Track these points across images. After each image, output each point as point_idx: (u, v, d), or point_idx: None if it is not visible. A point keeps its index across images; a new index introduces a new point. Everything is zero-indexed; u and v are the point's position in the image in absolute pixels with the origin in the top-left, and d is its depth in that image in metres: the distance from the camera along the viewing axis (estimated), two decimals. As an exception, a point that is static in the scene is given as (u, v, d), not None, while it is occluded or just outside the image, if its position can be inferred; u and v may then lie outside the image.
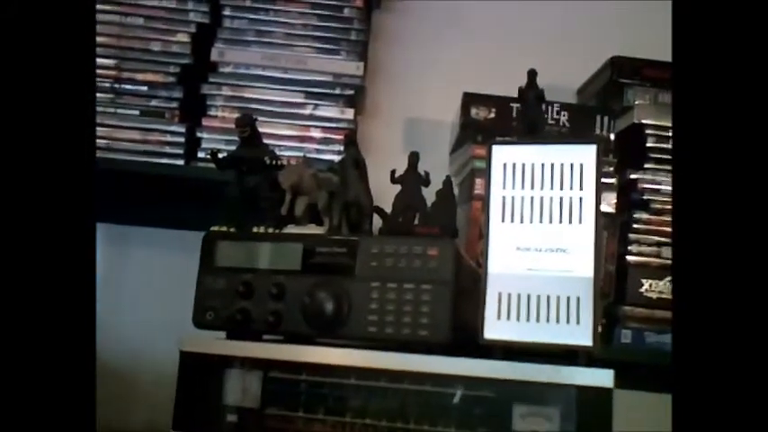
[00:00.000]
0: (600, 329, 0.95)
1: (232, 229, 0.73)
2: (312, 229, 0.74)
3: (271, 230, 0.72)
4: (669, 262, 0.98)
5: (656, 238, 0.99)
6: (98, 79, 1.00)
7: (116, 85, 1.01)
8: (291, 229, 0.73)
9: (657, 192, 0.99)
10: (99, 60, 1.00)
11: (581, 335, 0.62)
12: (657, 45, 1.08)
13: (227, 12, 1.04)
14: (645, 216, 0.99)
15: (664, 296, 0.97)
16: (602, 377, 0.60)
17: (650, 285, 0.98)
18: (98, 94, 0.99)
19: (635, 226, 0.99)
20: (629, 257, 0.99)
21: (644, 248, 0.99)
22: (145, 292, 1.19)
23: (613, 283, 0.99)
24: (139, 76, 1.02)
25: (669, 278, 0.98)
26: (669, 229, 0.98)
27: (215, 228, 0.74)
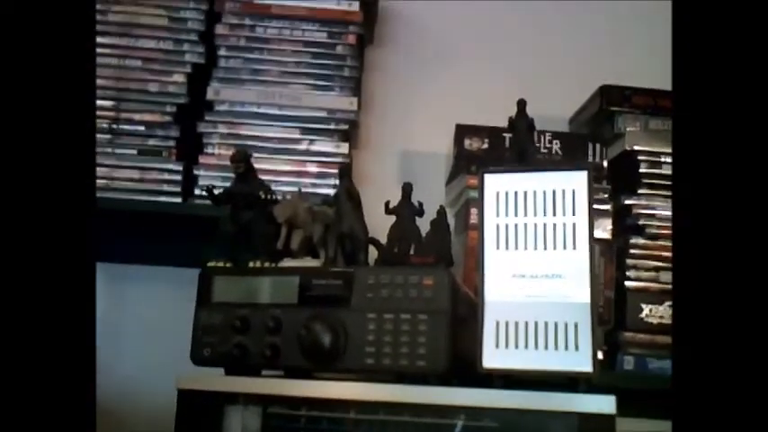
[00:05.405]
0: (602, 356, 0.95)
1: (228, 265, 0.73)
2: (308, 262, 0.74)
3: (267, 264, 0.72)
4: (668, 286, 0.97)
5: (654, 263, 0.99)
6: (96, 120, 1.01)
7: (114, 126, 1.02)
8: (287, 263, 0.73)
9: (653, 217, 1.00)
10: (97, 102, 1.01)
11: (580, 361, 0.62)
12: (646, 72, 1.10)
13: (222, 52, 1.06)
14: (641, 241, 0.99)
15: (664, 321, 0.97)
16: (604, 404, 0.60)
17: (650, 310, 0.97)
18: (96, 135, 1.01)
19: (632, 251, 0.99)
20: (627, 283, 0.98)
21: (642, 273, 0.99)
22: (143, 331, 1.18)
23: (613, 309, 0.99)
24: (137, 116, 1.03)
25: (669, 303, 0.97)
26: (666, 254, 0.98)
27: (211, 263, 0.74)
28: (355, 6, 1.08)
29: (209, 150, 1.04)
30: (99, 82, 1.02)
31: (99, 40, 1.03)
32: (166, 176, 1.02)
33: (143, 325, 1.18)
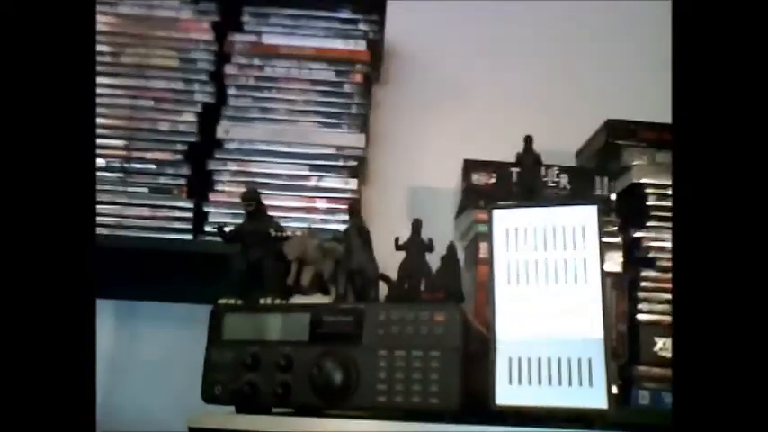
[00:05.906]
0: (616, 391, 0.93)
1: (239, 302, 0.73)
2: (318, 299, 0.74)
3: (277, 301, 0.72)
4: (680, 320, 0.96)
5: (665, 296, 0.98)
6: (108, 159, 1.03)
7: (126, 165, 1.04)
8: (298, 300, 0.74)
9: (663, 249, 0.99)
10: (109, 141, 1.03)
11: (595, 397, 0.62)
12: (653, 105, 1.11)
13: (231, 91, 1.08)
14: (652, 274, 0.99)
15: (677, 355, 0.96)
16: (619, 440, 0.59)
17: (663, 344, 0.96)
18: (108, 174, 1.02)
19: (643, 284, 0.98)
20: (639, 316, 0.98)
21: (654, 306, 0.98)
22: (154, 368, 1.18)
23: (626, 343, 0.98)
24: (148, 155, 1.04)
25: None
26: (677, 286, 0.97)
27: (222, 301, 0.74)
28: (362, 46, 1.10)
29: (220, 188, 1.05)
30: (111, 122, 1.04)
31: (111, 81, 1.05)
32: (177, 214, 1.02)
33: (153, 362, 1.18)
